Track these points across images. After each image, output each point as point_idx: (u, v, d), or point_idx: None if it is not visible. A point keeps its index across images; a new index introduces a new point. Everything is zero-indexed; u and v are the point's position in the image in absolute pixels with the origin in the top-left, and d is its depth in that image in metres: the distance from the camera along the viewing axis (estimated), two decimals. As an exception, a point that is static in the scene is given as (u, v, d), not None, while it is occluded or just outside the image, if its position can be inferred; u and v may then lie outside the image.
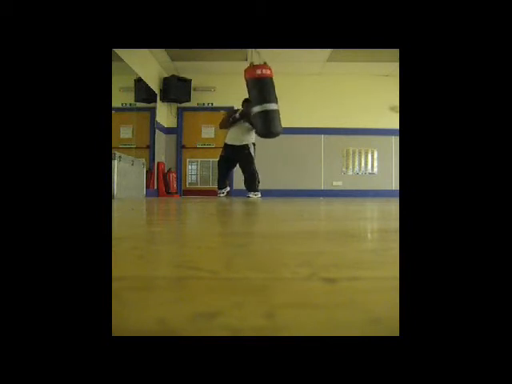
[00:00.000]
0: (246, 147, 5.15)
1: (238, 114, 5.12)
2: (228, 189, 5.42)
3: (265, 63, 4.58)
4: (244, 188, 5.27)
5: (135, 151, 5.83)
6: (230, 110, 5.35)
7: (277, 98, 4.57)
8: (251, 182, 5.17)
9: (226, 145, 5.26)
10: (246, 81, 4.61)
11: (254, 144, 5.20)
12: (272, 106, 4.51)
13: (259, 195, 5.19)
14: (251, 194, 5.17)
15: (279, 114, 4.59)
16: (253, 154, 5.17)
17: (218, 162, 5.35)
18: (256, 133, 4.84)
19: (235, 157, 5.20)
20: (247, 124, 5.10)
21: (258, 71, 4.51)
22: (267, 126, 4.57)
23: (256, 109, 4.55)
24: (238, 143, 5.16)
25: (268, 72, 4.54)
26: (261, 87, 4.53)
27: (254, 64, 4.61)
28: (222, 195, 5.30)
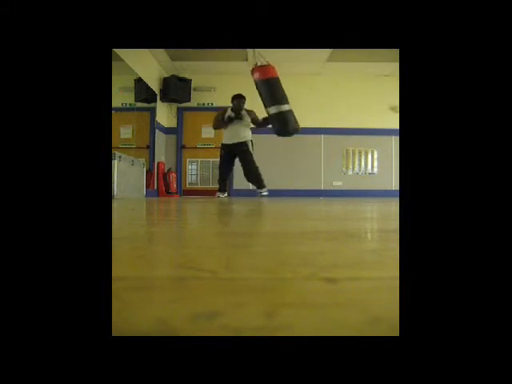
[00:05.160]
0: (244, 144, 5.13)
1: (231, 113, 5.12)
2: (226, 194, 5.41)
3: (268, 63, 4.70)
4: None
5: (135, 151, 5.83)
6: (221, 110, 5.33)
7: (287, 98, 4.73)
8: (258, 179, 5.14)
9: (223, 145, 5.24)
10: (255, 82, 4.75)
11: (251, 141, 5.20)
12: (284, 108, 4.70)
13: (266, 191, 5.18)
14: (264, 192, 5.13)
15: (293, 114, 4.76)
16: (251, 150, 5.16)
17: (219, 164, 5.33)
18: (275, 133, 4.93)
19: (234, 155, 5.17)
20: (243, 121, 5.10)
21: (263, 73, 4.68)
22: (283, 127, 4.76)
23: (271, 110, 4.72)
24: (236, 141, 5.13)
25: (273, 73, 4.69)
26: (269, 89, 4.69)
27: (259, 65, 4.71)
28: (221, 196, 5.27)
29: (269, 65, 4.72)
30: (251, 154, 5.15)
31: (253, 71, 4.77)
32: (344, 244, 0.71)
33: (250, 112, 5.18)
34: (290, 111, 4.77)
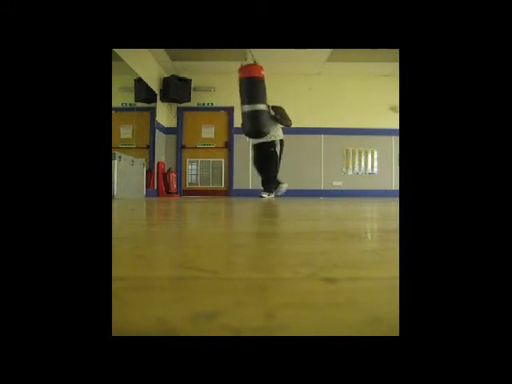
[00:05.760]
0: (272, 144, 4.96)
1: None
2: (273, 195, 5.09)
3: (255, 63, 4.58)
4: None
5: (135, 151, 5.82)
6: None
7: (265, 99, 4.58)
8: (267, 181, 5.00)
9: (253, 146, 5.14)
10: (239, 80, 4.63)
11: (281, 141, 5.01)
12: (258, 107, 4.54)
13: (272, 195, 5.02)
14: (264, 194, 4.98)
15: (267, 116, 4.61)
16: (278, 152, 4.98)
17: (255, 164, 5.16)
18: (243, 132, 4.78)
19: (262, 153, 5.02)
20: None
21: (247, 72, 4.55)
22: (252, 126, 4.60)
23: (244, 108, 4.58)
24: (263, 140, 4.94)
25: (257, 72, 4.55)
26: (248, 87, 4.55)
27: (244, 64, 4.60)
28: (265, 196, 4.95)
29: (255, 64, 4.56)
30: (277, 156, 4.96)
31: (239, 70, 4.63)
32: (344, 244, 0.71)
33: (276, 108, 4.94)
34: (265, 112, 4.58)
